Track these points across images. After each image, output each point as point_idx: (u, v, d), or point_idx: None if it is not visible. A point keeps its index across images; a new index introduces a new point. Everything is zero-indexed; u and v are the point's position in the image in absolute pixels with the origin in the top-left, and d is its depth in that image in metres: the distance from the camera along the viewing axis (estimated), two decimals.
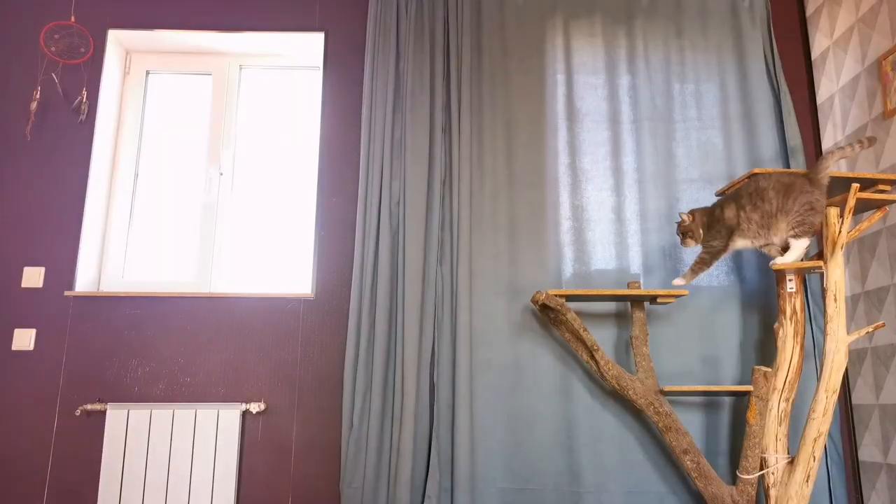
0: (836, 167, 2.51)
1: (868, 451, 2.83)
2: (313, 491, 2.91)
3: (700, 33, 3.29)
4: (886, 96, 2.76)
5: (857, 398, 2.91)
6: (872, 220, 2.56)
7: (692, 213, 2.70)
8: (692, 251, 3.03)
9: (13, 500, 2.89)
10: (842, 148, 2.49)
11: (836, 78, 3.10)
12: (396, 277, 3.01)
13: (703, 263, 2.65)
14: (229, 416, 2.90)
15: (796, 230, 2.47)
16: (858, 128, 2.92)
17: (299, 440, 2.97)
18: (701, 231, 2.66)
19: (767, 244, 2.59)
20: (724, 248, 2.63)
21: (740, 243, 2.63)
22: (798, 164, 3.09)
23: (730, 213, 2.59)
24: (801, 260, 2.53)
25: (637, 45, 3.27)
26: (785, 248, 2.56)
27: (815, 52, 3.26)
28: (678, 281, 2.69)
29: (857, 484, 2.89)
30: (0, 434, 2.95)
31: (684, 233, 2.68)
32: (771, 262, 2.55)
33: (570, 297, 2.75)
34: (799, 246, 2.49)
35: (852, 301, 2.94)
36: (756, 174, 2.58)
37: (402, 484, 2.76)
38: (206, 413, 2.90)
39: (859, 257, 2.90)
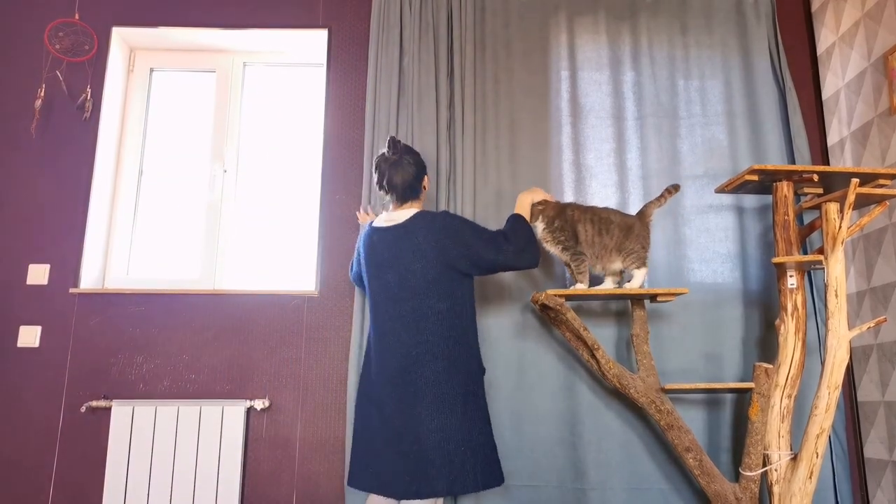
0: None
1: (873, 447, 2.82)
2: (318, 488, 2.92)
3: (704, 29, 3.27)
4: (893, 92, 2.75)
5: (862, 395, 2.89)
6: (873, 214, 2.54)
7: (543, 201, 2.72)
8: (695, 246, 3.06)
9: (19, 497, 2.92)
10: (658, 199, 2.78)
11: (841, 74, 3.08)
12: None
13: (577, 262, 2.70)
14: (234, 413, 2.91)
15: (636, 263, 2.70)
16: (864, 123, 2.91)
17: (304, 437, 2.98)
18: (541, 218, 2.70)
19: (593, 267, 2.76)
20: (576, 246, 2.69)
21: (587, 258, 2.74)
22: (803, 161, 3.07)
23: (580, 228, 2.70)
24: (642, 285, 2.74)
25: (641, 41, 3.26)
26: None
27: (821, 48, 3.24)
28: (580, 286, 2.70)
29: (862, 481, 2.88)
30: (6, 431, 2.97)
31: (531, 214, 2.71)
32: (625, 285, 2.74)
33: (569, 297, 2.74)
34: (639, 275, 2.71)
35: (858, 298, 2.92)
36: (606, 207, 2.79)
37: None
38: (211, 410, 2.91)
39: (865, 254, 2.89)
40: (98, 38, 3.31)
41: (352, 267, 2.83)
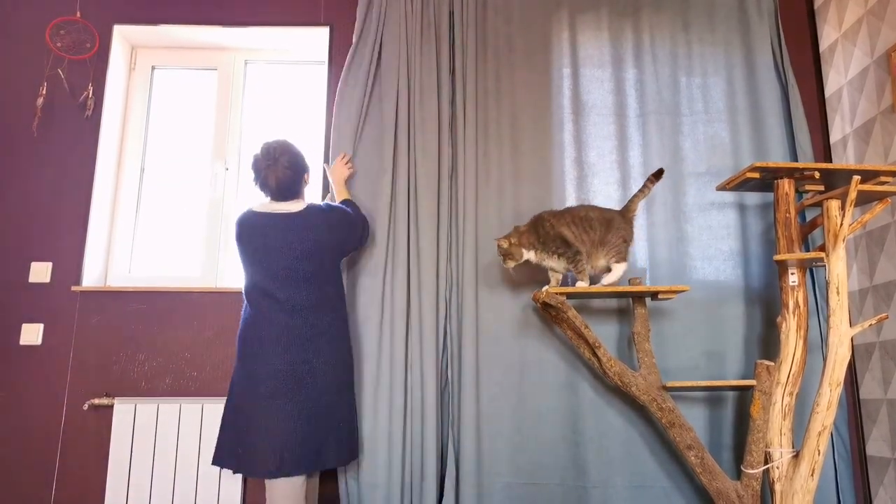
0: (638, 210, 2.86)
1: (876, 445, 2.82)
2: (321, 485, 2.92)
3: (707, 26, 3.26)
4: (895, 89, 2.74)
5: (864, 393, 2.89)
6: (874, 212, 2.54)
7: (508, 237, 2.74)
8: (697, 244, 3.05)
9: (22, 495, 2.92)
10: (641, 190, 2.81)
11: (844, 71, 3.07)
12: (409, 272, 2.99)
13: (576, 262, 2.71)
14: None
15: (616, 257, 2.73)
16: (867, 121, 2.90)
17: None
18: (522, 251, 2.73)
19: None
20: (569, 249, 2.71)
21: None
22: (806, 158, 3.06)
23: (565, 231, 2.71)
24: (620, 281, 2.76)
25: (643, 38, 3.25)
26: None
27: (823, 45, 3.23)
28: (581, 284, 2.71)
29: (864, 479, 2.88)
30: (8, 429, 2.98)
31: (504, 255, 2.74)
32: (602, 282, 2.74)
33: (570, 295, 2.74)
34: (619, 269, 2.73)
35: (860, 295, 2.92)
36: (582, 205, 2.84)
37: (428, 479, 2.78)
38: (213, 407, 2.91)
39: (867, 252, 2.88)
40: (99, 35, 3.31)
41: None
